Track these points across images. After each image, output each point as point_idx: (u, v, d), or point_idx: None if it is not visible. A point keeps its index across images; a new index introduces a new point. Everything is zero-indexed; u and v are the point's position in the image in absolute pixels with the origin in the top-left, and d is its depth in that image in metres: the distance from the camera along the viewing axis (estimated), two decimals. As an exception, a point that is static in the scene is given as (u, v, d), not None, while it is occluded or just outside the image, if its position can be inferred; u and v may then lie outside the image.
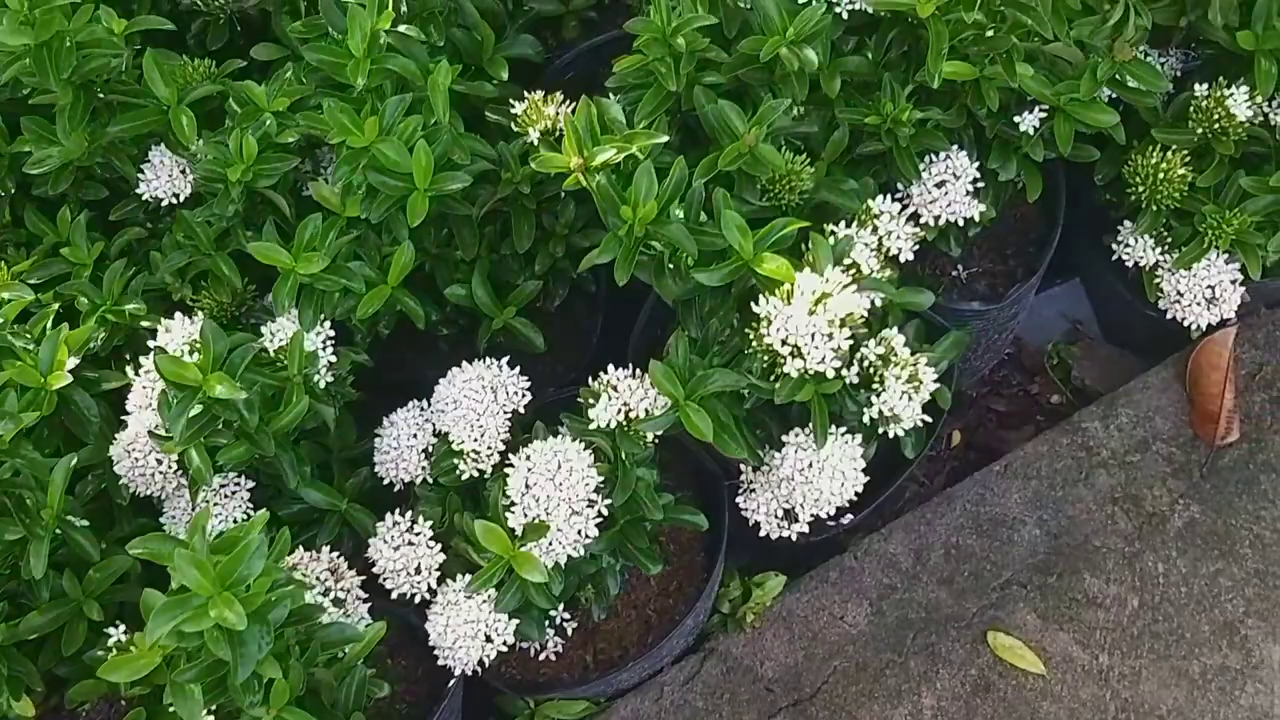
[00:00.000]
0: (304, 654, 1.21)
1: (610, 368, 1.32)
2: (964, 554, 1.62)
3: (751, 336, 1.25)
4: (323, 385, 1.38)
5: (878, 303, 1.36)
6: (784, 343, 1.23)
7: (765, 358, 1.25)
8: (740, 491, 1.43)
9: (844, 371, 1.31)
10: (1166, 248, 1.54)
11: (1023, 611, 1.57)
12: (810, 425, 1.30)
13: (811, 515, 1.38)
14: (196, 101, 1.47)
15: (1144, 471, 1.65)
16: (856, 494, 1.36)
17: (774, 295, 1.24)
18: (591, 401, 1.30)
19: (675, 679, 1.57)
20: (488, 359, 1.39)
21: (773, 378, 1.26)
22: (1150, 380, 1.72)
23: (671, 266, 1.31)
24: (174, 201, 1.47)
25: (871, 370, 1.31)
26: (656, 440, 1.32)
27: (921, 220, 1.51)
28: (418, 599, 1.36)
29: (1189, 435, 1.68)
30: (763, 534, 1.42)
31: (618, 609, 1.52)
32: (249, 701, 1.11)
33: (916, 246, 1.43)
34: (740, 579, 1.63)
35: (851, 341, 1.24)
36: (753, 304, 1.25)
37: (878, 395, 1.31)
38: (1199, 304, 1.53)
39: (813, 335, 1.22)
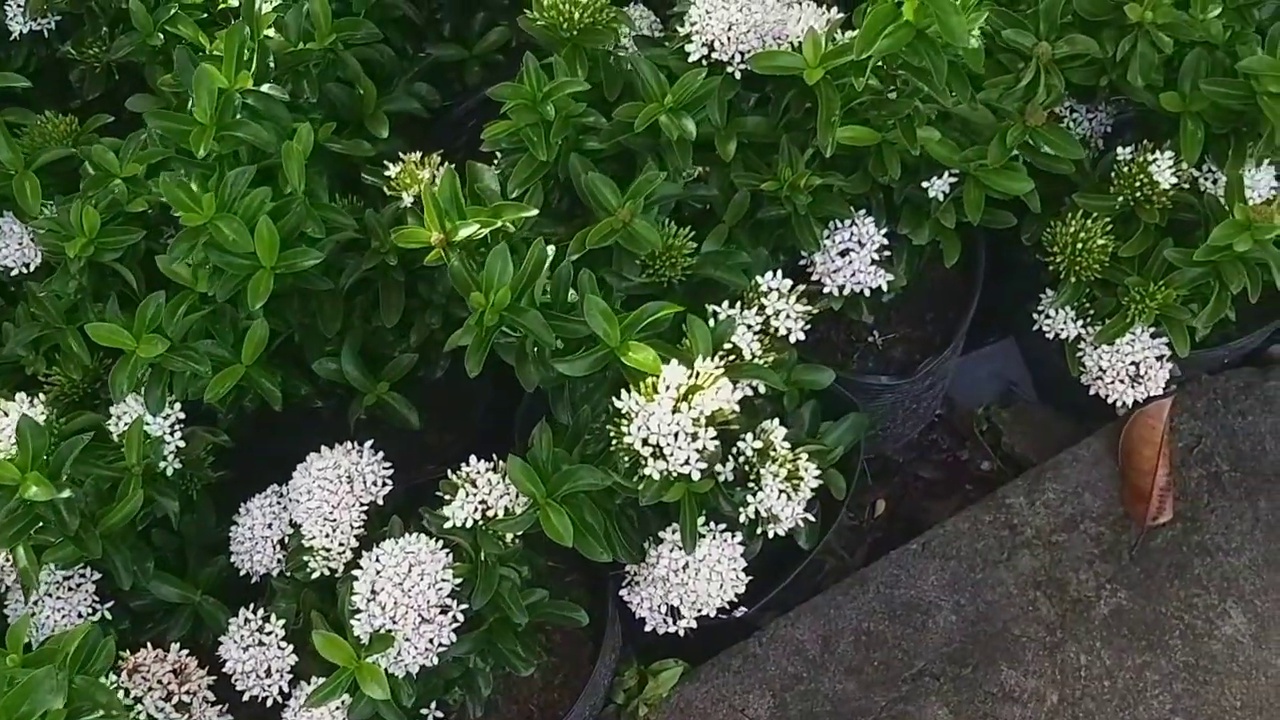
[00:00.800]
0: (123, 777, 1.13)
1: (472, 459, 1.23)
2: (875, 641, 1.52)
3: (613, 434, 1.16)
4: (170, 472, 1.30)
5: (761, 389, 1.27)
6: (645, 443, 1.13)
7: (628, 457, 1.16)
8: (624, 584, 1.34)
9: (719, 467, 1.22)
10: (1089, 320, 1.44)
11: (934, 705, 1.48)
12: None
13: (697, 612, 1.29)
14: (52, 163, 1.39)
15: (1070, 553, 1.55)
16: (738, 594, 1.26)
17: (638, 389, 1.15)
18: (449, 497, 1.21)
19: (563, 775, 1.48)
20: (349, 444, 1.30)
21: (636, 478, 1.17)
22: (1080, 453, 1.62)
23: (535, 352, 1.22)
24: (24, 271, 1.39)
25: (748, 467, 1.22)
26: (518, 538, 1.23)
27: (825, 290, 1.41)
28: (269, 702, 1.27)
29: (1119, 513, 1.58)
30: (648, 629, 1.33)
31: (498, 704, 1.43)
32: (47, 839, 1.03)
33: (808, 326, 1.33)
34: (637, 668, 1.54)
35: (717, 440, 1.14)
36: (613, 399, 1.15)
37: (754, 494, 1.21)
38: (1122, 381, 1.43)
39: (676, 435, 1.13)
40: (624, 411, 1.14)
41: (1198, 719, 1.45)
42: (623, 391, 1.15)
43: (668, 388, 1.14)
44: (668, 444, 1.13)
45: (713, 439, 1.13)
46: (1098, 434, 1.64)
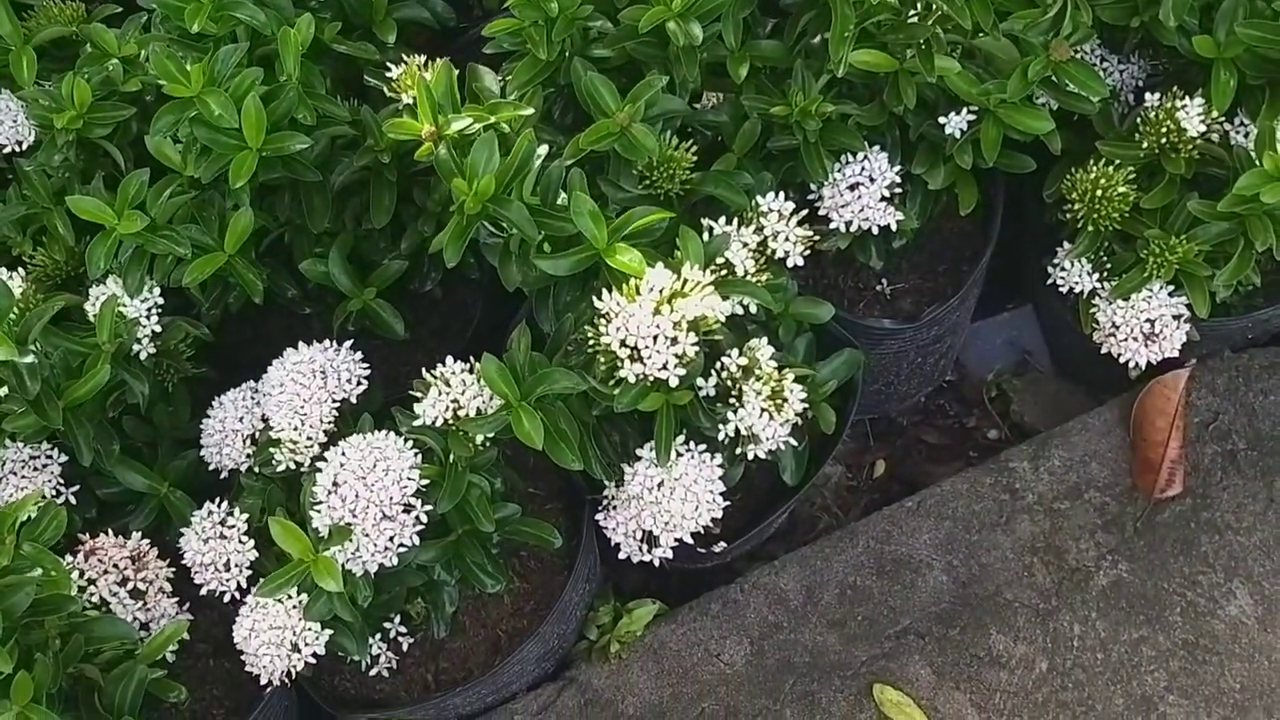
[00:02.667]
0: (65, 647, 1.10)
1: (448, 359, 1.20)
2: (860, 595, 1.47)
3: (591, 335, 1.11)
4: (145, 356, 1.27)
5: (753, 309, 1.22)
6: (623, 344, 1.09)
7: (605, 360, 1.12)
8: (601, 508, 1.29)
9: (700, 382, 1.18)
10: (1105, 274, 1.39)
11: (917, 665, 1.42)
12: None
13: (675, 540, 1.24)
14: (53, 46, 1.37)
15: (1071, 521, 1.49)
16: (716, 520, 1.21)
17: (620, 291, 1.11)
18: (421, 395, 1.18)
19: (528, 708, 1.44)
20: (327, 341, 1.27)
21: (612, 382, 1.12)
22: (1091, 421, 1.56)
23: (519, 251, 1.18)
24: (16, 149, 1.37)
25: (731, 383, 1.17)
26: (491, 443, 1.19)
27: (833, 226, 1.37)
28: (227, 597, 1.24)
29: (1127, 485, 1.51)
30: (622, 556, 1.28)
31: (465, 627, 1.39)
32: (-20, 696, 1.00)
33: (808, 251, 1.28)
34: (613, 604, 1.49)
35: (699, 348, 1.10)
36: (594, 299, 1.11)
37: (735, 412, 1.16)
38: (1136, 339, 1.37)
39: (655, 338, 1.08)
40: (604, 311, 1.10)
41: (1194, 698, 1.38)
42: (604, 291, 1.11)
43: (651, 290, 1.10)
44: (646, 346, 1.09)
45: (693, 345, 1.09)
46: (1110, 404, 1.57)
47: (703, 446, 1.20)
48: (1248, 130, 1.33)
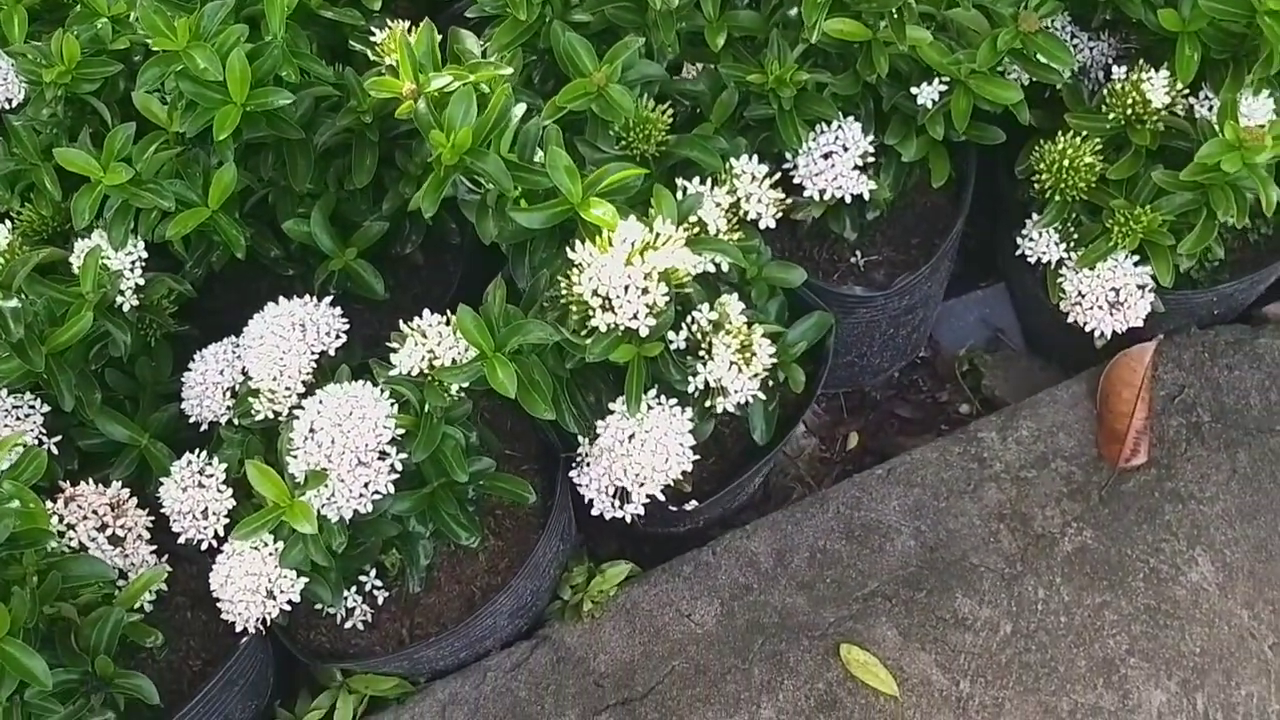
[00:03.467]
0: (41, 585, 1.12)
1: (425, 312, 1.22)
2: (830, 559, 1.49)
3: (564, 285, 1.14)
4: (127, 309, 1.29)
5: (725, 268, 1.25)
6: (595, 293, 1.12)
7: (578, 310, 1.14)
8: (575, 465, 1.32)
9: (671, 336, 1.20)
10: (1072, 244, 1.42)
11: (884, 626, 1.44)
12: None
13: (646, 497, 1.27)
14: (45, 4, 1.40)
15: (1038, 489, 1.52)
16: (686, 473, 1.24)
17: (594, 243, 1.13)
18: (397, 346, 1.20)
19: (501, 664, 1.46)
20: (306, 296, 1.29)
21: (584, 333, 1.15)
22: (1059, 394, 1.59)
23: (495, 205, 1.20)
24: (6, 105, 1.39)
25: (700, 336, 1.19)
26: (466, 395, 1.21)
27: (806, 194, 1.39)
28: (204, 545, 1.26)
29: (1093, 455, 1.54)
30: (595, 513, 1.31)
31: (440, 583, 1.41)
32: (-44, 627, 1.02)
33: (780, 214, 1.31)
34: (587, 565, 1.52)
35: (675, 301, 1.13)
36: (568, 250, 1.14)
37: (704, 364, 1.19)
38: (1101, 308, 1.40)
39: (626, 288, 1.11)
40: (577, 262, 1.13)
41: (1154, 661, 1.40)
42: (577, 243, 1.13)
43: (623, 241, 1.12)
44: (617, 296, 1.11)
45: (664, 296, 1.11)
46: (1078, 377, 1.60)
47: (673, 401, 1.23)
48: (1211, 103, 1.36)
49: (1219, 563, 1.46)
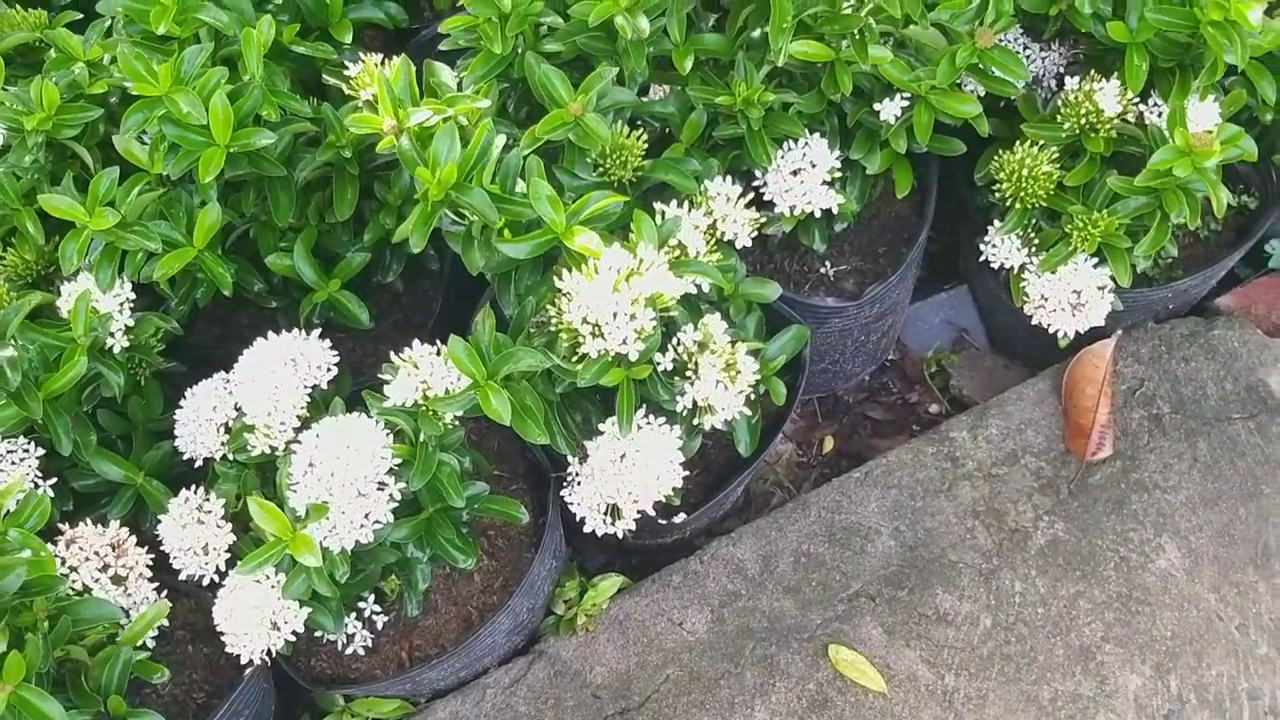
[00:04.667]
0: (53, 630, 1.13)
1: (415, 342, 1.25)
2: (814, 563, 1.54)
3: (554, 313, 1.17)
4: (118, 350, 1.31)
5: (705, 288, 1.29)
6: (584, 320, 1.15)
7: (568, 337, 1.18)
8: (565, 485, 1.35)
9: (658, 357, 1.24)
10: (1033, 249, 1.47)
11: (869, 625, 1.49)
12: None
13: (637, 512, 1.30)
14: (18, 53, 1.40)
15: (1010, 485, 1.57)
16: (677, 489, 1.28)
17: (580, 271, 1.17)
18: (391, 378, 1.23)
19: (500, 681, 1.49)
20: (296, 330, 1.31)
21: (575, 359, 1.18)
22: (1025, 391, 1.65)
23: (481, 236, 1.23)
24: (-17, 153, 1.40)
25: (687, 357, 1.23)
26: (460, 423, 1.24)
27: (777, 210, 1.44)
28: (206, 580, 1.28)
29: (1061, 450, 1.60)
30: (588, 530, 1.34)
31: (437, 605, 1.43)
32: (-29, 676, 1.04)
33: (756, 233, 1.35)
34: (579, 579, 1.55)
35: (661, 324, 1.16)
36: (555, 279, 1.17)
37: (692, 384, 1.23)
38: (1064, 309, 1.45)
39: (614, 314, 1.14)
40: (565, 291, 1.16)
41: (1128, 646, 1.46)
42: (564, 272, 1.17)
43: (609, 269, 1.16)
44: (606, 322, 1.15)
45: (651, 320, 1.15)
46: (1043, 375, 1.66)
47: (661, 419, 1.26)
48: (1160, 110, 1.42)
49: (1185, 549, 1.52)
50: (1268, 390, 1.62)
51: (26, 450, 1.31)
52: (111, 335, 1.30)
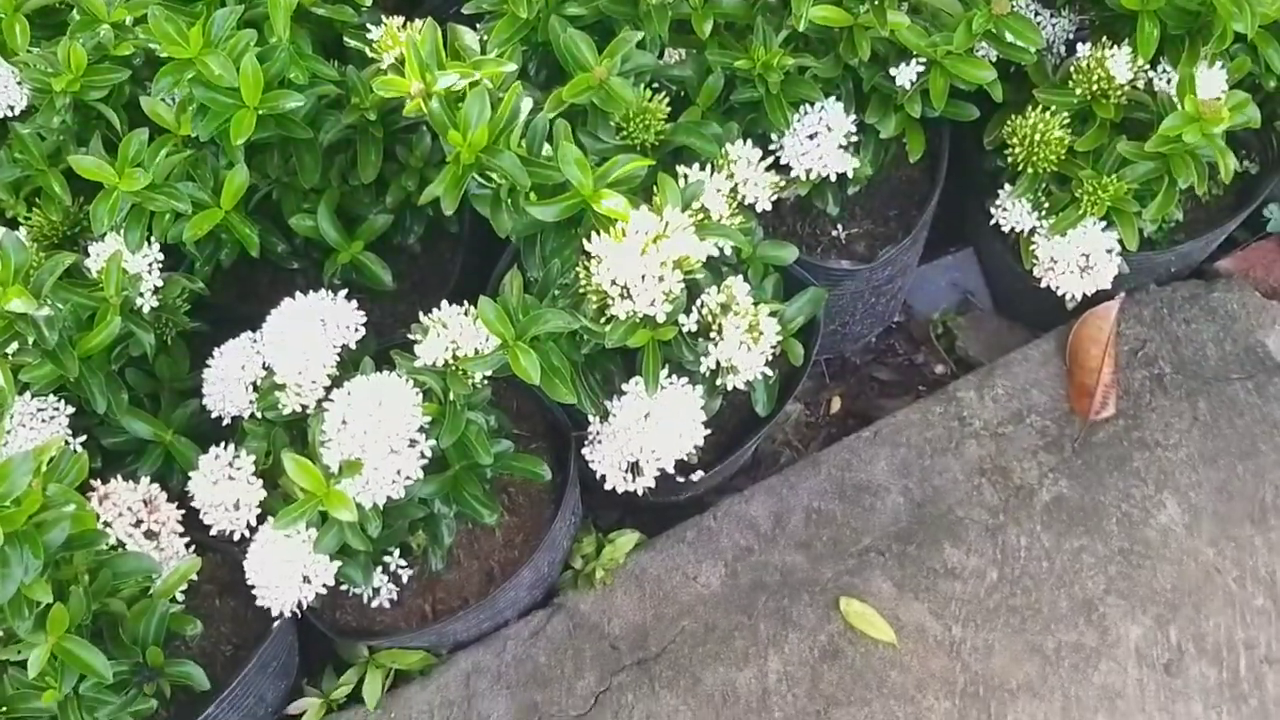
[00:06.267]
0: (93, 583, 1.16)
1: (444, 303, 1.27)
2: (825, 519, 1.58)
3: (582, 276, 1.20)
4: (147, 310, 1.33)
5: (727, 251, 1.31)
6: (613, 283, 1.18)
7: (596, 299, 1.20)
8: (587, 443, 1.38)
9: (682, 319, 1.27)
10: (1044, 213, 1.50)
11: (879, 579, 1.53)
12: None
13: (657, 470, 1.33)
14: (41, 14, 1.41)
15: (1015, 444, 1.61)
16: (698, 447, 1.31)
17: (608, 234, 1.19)
18: (420, 338, 1.25)
19: (520, 633, 1.52)
20: (325, 290, 1.33)
21: (603, 320, 1.21)
22: (1030, 352, 1.68)
23: (509, 201, 1.25)
24: (9, 114, 1.40)
25: (710, 318, 1.26)
26: (488, 382, 1.27)
27: (793, 173, 1.46)
28: (237, 536, 1.31)
29: (1065, 409, 1.64)
30: (608, 487, 1.37)
31: (459, 560, 1.47)
32: (20, 625, 1.06)
33: (775, 196, 1.38)
34: (596, 535, 1.59)
35: (685, 286, 1.19)
36: (584, 241, 1.20)
37: (715, 345, 1.26)
38: (1073, 272, 1.49)
39: (642, 276, 1.17)
40: (594, 254, 1.19)
41: (1130, 599, 1.51)
42: (593, 234, 1.19)
43: (637, 233, 1.18)
44: (635, 285, 1.17)
45: (678, 282, 1.18)
46: (1047, 336, 1.69)
47: (684, 379, 1.29)
48: (1170, 77, 1.45)
49: (1185, 504, 1.56)
50: (1265, 351, 1.66)
51: (56, 409, 1.34)
52: (141, 295, 1.32)
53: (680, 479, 1.44)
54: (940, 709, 1.45)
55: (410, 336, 1.27)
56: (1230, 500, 1.56)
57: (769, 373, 1.30)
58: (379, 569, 1.40)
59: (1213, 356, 1.66)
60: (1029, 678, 1.47)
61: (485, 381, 1.26)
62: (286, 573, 1.26)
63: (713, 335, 1.26)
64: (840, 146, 1.45)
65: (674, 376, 1.29)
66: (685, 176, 1.32)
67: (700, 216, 1.28)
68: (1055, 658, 1.48)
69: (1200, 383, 1.64)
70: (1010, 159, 1.47)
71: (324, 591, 1.28)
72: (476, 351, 1.24)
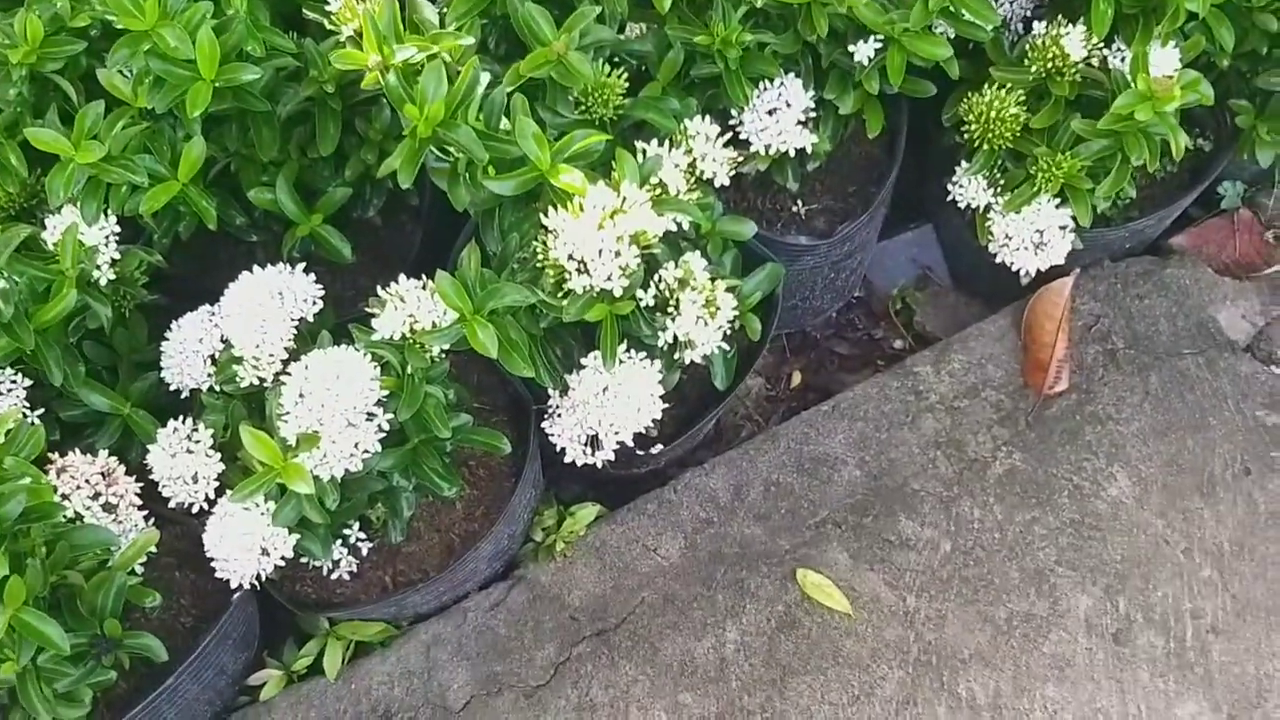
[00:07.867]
0: (51, 555, 1.16)
1: (401, 277, 1.27)
2: (783, 491, 1.60)
3: (540, 250, 1.20)
4: (104, 282, 1.32)
5: (685, 226, 1.32)
6: (570, 257, 1.19)
7: (554, 273, 1.21)
8: (546, 416, 1.39)
9: (640, 293, 1.28)
10: (999, 190, 1.52)
11: (835, 551, 1.55)
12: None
13: (616, 443, 1.35)
14: (-6, -19, 1.40)
15: (970, 418, 1.64)
16: (656, 421, 1.32)
17: (565, 209, 1.20)
18: (378, 312, 1.25)
19: (480, 605, 1.54)
20: (282, 264, 1.33)
21: (561, 294, 1.22)
22: (986, 328, 1.70)
23: (466, 175, 1.26)
24: (-39, 85, 1.39)
25: (668, 293, 1.27)
26: (446, 356, 1.27)
27: (752, 149, 1.47)
28: (195, 508, 1.31)
29: (1019, 384, 1.66)
30: (568, 460, 1.38)
31: (420, 532, 1.48)
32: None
33: (734, 171, 1.39)
34: (557, 508, 1.60)
35: (643, 261, 1.20)
36: (542, 216, 1.20)
37: (673, 319, 1.27)
38: (1027, 248, 1.51)
39: (600, 251, 1.18)
40: (551, 229, 1.19)
41: (1080, 569, 1.54)
42: (550, 210, 1.20)
43: (594, 207, 1.19)
44: (592, 259, 1.18)
45: (635, 257, 1.19)
46: (1003, 312, 1.72)
47: (642, 354, 1.31)
48: (1124, 55, 1.47)
49: (1135, 477, 1.59)
50: (1216, 326, 1.69)
51: (14, 381, 1.33)
52: (98, 268, 1.32)
53: (640, 452, 1.46)
54: (894, 677, 1.48)
55: (369, 310, 1.27)
56: (1180, 473, 1.59)
57: (726, 347, 1.32)
58: (338, 541, 1.41)
59: (1165, 332, 1.69)
60: (981, 647, 1.49)
61: (443, 355, 1.27)
62: (245, 545, 1.27)
63: (670, 310, 1.28)
64: (799, 122, 1.46)
65: (632, 351, 1.30)
66: (644, 151, 1.32)
67: (658, 191, 1.29)
68: (1007, 627, 1.51)
69: (1152, 358, 1.67)
70: (967, 136, 1.49)
71: (283, 564, 1.29)
72: (434, 325, 1.24)
